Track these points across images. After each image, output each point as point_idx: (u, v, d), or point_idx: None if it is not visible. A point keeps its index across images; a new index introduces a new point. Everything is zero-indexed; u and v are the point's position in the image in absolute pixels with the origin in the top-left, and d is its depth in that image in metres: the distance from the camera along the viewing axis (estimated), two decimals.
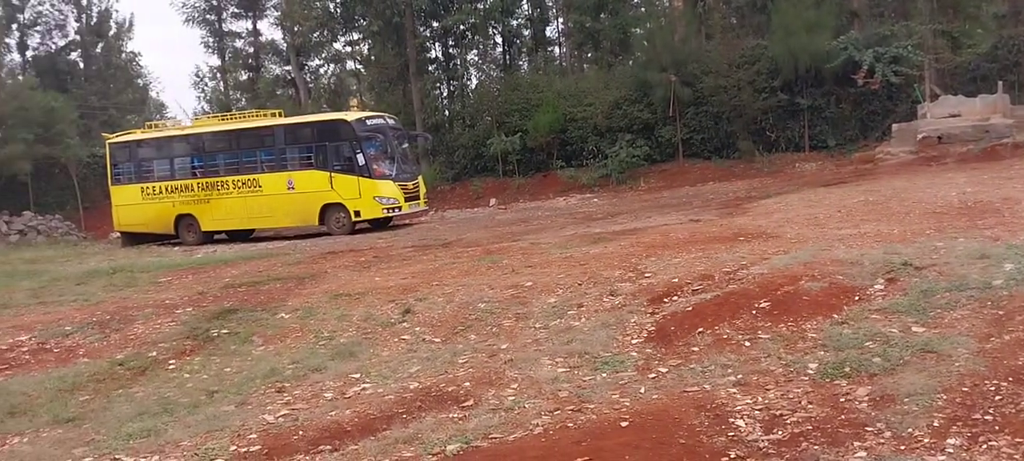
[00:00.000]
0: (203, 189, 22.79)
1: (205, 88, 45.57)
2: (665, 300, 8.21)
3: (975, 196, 12.62)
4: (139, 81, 49.22)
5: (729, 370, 5.97)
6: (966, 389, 5.02)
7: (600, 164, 28.22)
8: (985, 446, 4.37)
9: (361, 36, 36.81)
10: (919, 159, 21.42)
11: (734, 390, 5.56)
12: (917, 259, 7.95)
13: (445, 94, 36.56)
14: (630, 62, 31.91)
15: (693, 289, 8.40)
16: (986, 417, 4.67)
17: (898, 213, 11.93)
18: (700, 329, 7.02)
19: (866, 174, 20.37)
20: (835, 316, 6.76)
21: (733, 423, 4.99)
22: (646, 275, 9.48)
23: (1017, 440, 4.38)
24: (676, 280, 8.91)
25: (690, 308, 7.66)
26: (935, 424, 4.64)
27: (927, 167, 19.66)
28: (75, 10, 43.31)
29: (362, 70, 40.74)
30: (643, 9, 33.74)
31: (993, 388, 5.00)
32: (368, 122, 22.05)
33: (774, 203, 15.94)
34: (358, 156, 21.13)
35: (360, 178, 21.01)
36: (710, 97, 27.47)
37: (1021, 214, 10.65)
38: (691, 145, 28.26)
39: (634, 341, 7.15)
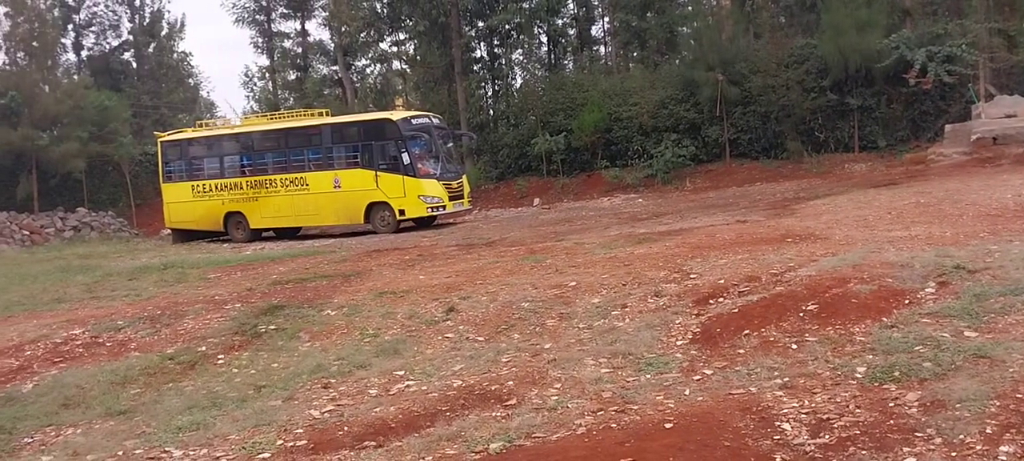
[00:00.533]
0: (252, 187, 23.14)
1: (254, 88, 46.27)
2: (710, 301, 8.15)
3: None
4: (190, 81, 50.02)
5: (775, 373, 5.90)
6: (1020, 395, 4.89)
7: (645, 164, 28.07)
8: None
9: (407, 36, 37.07)
10: (973, 160, 20.97)
11: (780, 393, 5.50)
12: (970, 262, 7.78)
13: (490, 93, 36.63)
14: (677, 61, 31.69)
15: (739, 291, 8.32)
16: None
17: (951, 215, 11.69)
18: (746, 331, 6.95)
19: (917, 175, 19.99)
20: (884, 319, 6.65)
21: (779, 426, 4.94)
22: (691, 276, 9.42)
23: None
24: (722, 281, 8.83)
25: (736, 310, 7.59)
26: (988, 431, 4.53)
27: (981, 168, 19.24)
28: (128, 11, 44.16)
29: (408, 70, 41.01)
30: (690, 8, 33.44)
31: None
32: (413, 121, 22.21)
33: (823, 204, 15.72)
34: (403, 155, 21.29)
35: (405, 177, 21.17)
36: (758, 97, 27.16)
37: None
38: (738, 145, 27.95)
39: (679, 342, 7.10)
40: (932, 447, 4.46)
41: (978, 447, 4.39)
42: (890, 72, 25.02)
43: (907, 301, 7.00)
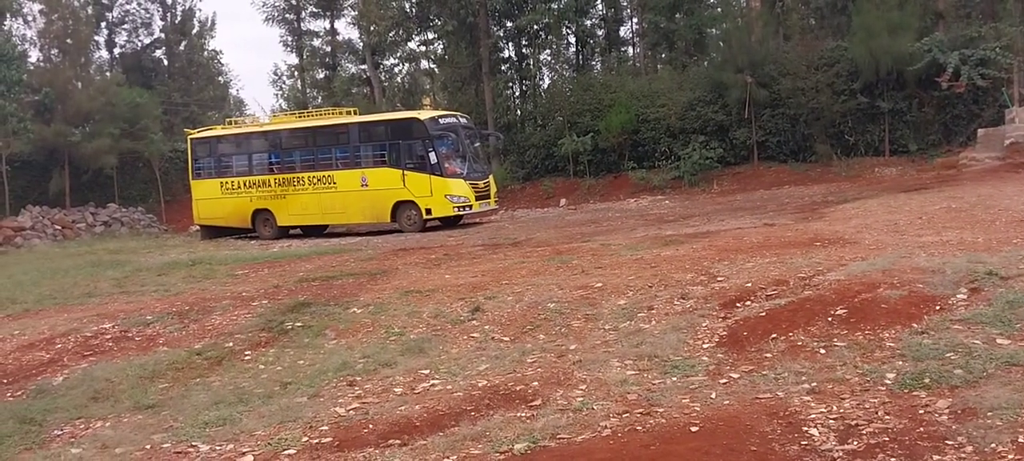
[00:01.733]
0: (280, 185, 23.30)
1: (283, 86, 46.61)
2: (738, 305, 8.08)
3: None
4: (220, 79, 50.52)
5: (803, 378, 5.85)
6: None
7: (672, 166, 27.91)
8: None
9: (435, 36, 37.15)
10: (1006, 165, 20.68)
11: (808, 398, 5.45)
12: (1003, 269, 7.67)
13: (517, 94, 36.64)
14: (705, 63, 31.48)
15: (767, 294, 8.25)
16: None
17: (983, 221, 11.53)
18: (773, 335, 6.89)
19: (949, 180, 19.73)
20: (915, 325, 6.57)
21: (806, 432, 4.89)
22: (718, 279, 9.35)
23: None
24: (749, 285, 8.77)
25: (763, 313, 7.53)
26: (1020, 440, 4.46)
27: (1015, 174, 18.96)
28: (160, 9, 44.64)
29: (435, 69, 41.08)
30: (719, 9, 33.22)
31: None
32: (441, 121, 22.26)
33: (852, 208, 15.57)
34: (430, 154, 21.35)
35: (432, 176, 21.22)
36: (787, 99, 26.93)
37: None
38: (766, 148, 27.72)
39: (705, 345, 7.06)
40: (963, 455, 4.40)
41: (1010, 456, 4.32)
42: (922, 75, 24.68)
43: (938, 307, 6.92)
